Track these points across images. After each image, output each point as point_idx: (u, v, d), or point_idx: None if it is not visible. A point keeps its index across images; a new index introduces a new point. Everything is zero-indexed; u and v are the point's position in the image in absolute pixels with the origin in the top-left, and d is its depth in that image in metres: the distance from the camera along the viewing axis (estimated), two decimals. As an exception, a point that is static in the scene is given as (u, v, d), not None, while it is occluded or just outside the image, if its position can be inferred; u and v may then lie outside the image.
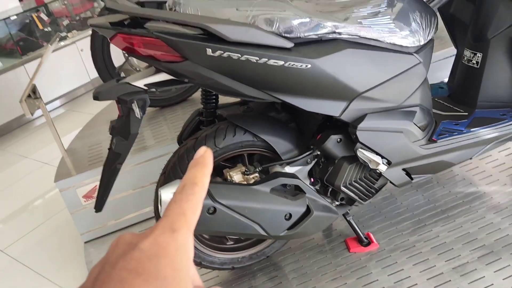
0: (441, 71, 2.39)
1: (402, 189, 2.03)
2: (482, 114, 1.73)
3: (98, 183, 2.04)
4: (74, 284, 2.06)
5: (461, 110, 1.78)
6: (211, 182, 1.37)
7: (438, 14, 2.61)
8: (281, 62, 1.24)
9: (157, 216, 1.54)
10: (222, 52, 1.20)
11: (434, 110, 1.78)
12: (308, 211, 1.45)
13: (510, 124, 1.66)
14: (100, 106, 2.97)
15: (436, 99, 1.88)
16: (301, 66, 1.26)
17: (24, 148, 3.65)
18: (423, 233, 1.77)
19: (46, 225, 2.56)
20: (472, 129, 1.64)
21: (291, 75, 1.27)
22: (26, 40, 4.03)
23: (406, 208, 1.92)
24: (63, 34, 4.14)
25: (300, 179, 1.46)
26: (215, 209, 1.31)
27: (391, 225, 1.85)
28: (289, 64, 1.25)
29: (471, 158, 1.67)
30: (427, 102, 1.58)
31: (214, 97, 1.59)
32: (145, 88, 1.31)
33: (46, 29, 4.25)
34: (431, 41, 1.54)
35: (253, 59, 1.22)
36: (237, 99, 1.67)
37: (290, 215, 1.41)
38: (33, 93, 2.07)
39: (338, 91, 1.35)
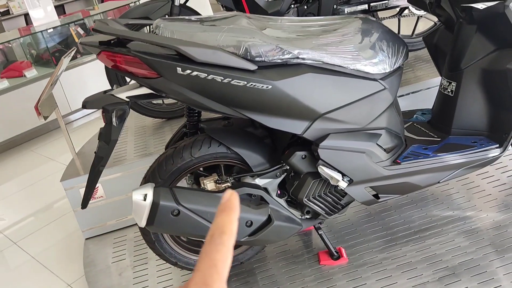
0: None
1: (381, 209, 2.10)
2: (454, 141, 1.80)
3: (99, 185, 2.23)
4: (73, 277, 2.25)
5: (435, 136, 1.85)
6: (177, 187, 1.52)
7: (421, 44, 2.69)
8: (244, 82, 1.38)
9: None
10: (191, 71, 1.36)
11: (409, 134, 1.87)
12: (269, 220, 1.57)
13: (478, 152, 1.72)
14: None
15: (415, 124, 1.96)
16: (262, 86, 1.39)
17: (51, 150, 3.92)
18: (392, 252, 1.85)
19: (57, 222, 2.77)
20: (439, 154, 1.71)
21: (253, 94, 1.40)
22: (62, 52, 4.35)
23: (381, 227, 1.99)
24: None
25: (263, 190, 1.58)
26: (179, 211, 1.45)
27: (364, 242, 1.93)
28: (251, 84, 1.39)
29: (439, 182, 1.74)
30: (394, 125, 1.67)
31: (196, 111, 1.74)
32: (127, 100, 1.48)
33: (74, 47, 4.56)
34: (398, 68, 1.64)
35: (218, 78, 1.37)
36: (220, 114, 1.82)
37: (251, 222, 1.53)
38: (49, 100, 2.29)
39: (300, 111, 1.47)
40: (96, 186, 2.31)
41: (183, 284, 0.36)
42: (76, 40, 4.54)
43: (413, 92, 2.52)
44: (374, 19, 1.68)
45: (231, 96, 1.41)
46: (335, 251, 1.87)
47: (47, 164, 3.71)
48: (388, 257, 1.82)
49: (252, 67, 1.39)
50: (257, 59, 1.40)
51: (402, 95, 2.50)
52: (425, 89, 2.51)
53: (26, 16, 5.88)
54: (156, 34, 1.45)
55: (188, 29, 1.44)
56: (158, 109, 2.63)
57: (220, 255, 0.36)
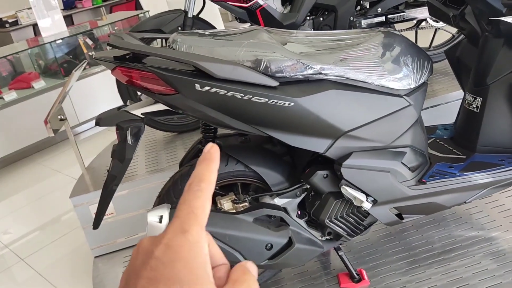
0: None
1: (402, 228, 2.03)
2: (480, 159, 1.73)
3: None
4: (81, 296, 2.18)
5: (460, 153, 1.78)
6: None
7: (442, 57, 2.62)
8: (265, 99, 1.32)
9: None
10: (210, 87, 1.30)
11: (432, 151, 1.79)
12: (290, 243, 1.49)
13: (506, 170, 1.65)
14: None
15: (437, 141, 1.89)
16: (284, 104, 1.33)
17: (58, 163, 3.87)
18: (416, 274, 1.77)
19: (65, 238, 2.71)
20: (465, 173, 1.64)
21: (275, 112, 1.34)
22: (70, 63, 4.31)
23: (403, 248, 1.92)
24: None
25: (284, 211, 1.51)
26: (196, 234, 1.38)
27: (386, 263, 1.86)
28: (272, 101, 1.32)
29: (465, 202, 1.67)
30: (419, 143, 1.60)
31: (212, 127, 1.68)
32: (142, 116, 1.42)
33: (90, 53, 4.53)
34: (423, 84, 1.57)
35: (238, 95, 1.31)
36: (237, 131, 1.75)
37: (271, 245, 1.46)
38: (59, 114, 2.24)
39: (322, 129, 1.40)
40: (107, 203, 2.25)
41: (163, 232, 0.35)
42: (85, 51, 4.50)
43: (432, 106, 2.45)
44: (397, 32, 1.62)
45: (252, 113, 1.34)
46: (356, 273, 1.79)
47: (55, 176, 3.65)
48: (411, 280, 1.75)
49: (274, 83, 1.33)
50: (278, 74, 1.34)
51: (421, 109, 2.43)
52: (445, 103, 2.44)
53: (35, 26, 5.87)
54: (173, 48, 1.39)
55: (206, 43, 1.39)
56: (169, 123, 2.57)
57: (198, 201, 0.36)
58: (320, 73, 1.38)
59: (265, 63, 1.34)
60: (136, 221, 2.28)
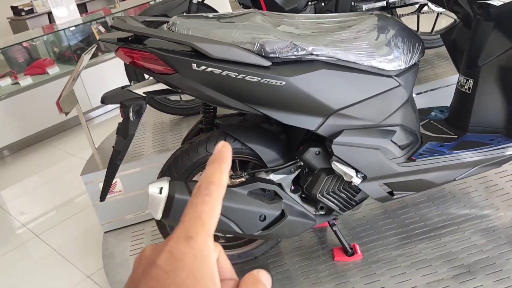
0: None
1: (397, 207, 2.10)
2: (470, 138, 1.78)
3: (118, 179, 2.28)
4: (92, 269, 2.30)
5: (452, 133, 1.84)
6: (192, 181, 1.54)
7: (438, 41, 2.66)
8: (258, 78, 1.40)
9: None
10: (206, 67, 1.38)
11: (425, 131, 1.86)
12: (282, 215, 1.58)
13: (494, 149, 1.70)
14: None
15: (431, 121, 1.95)
16: (276, 82, 1.41)
17: (72, 146, 4.00)
18: (407, 249, 1.84)
19: (77, 216, 2.84)
20: (455, 151, 1.70)
21: (267, 90, 1.42)
22: (83, 49, 4.43)
23: (396, 224, 1.99)
24: (116, 45, 4.51)
25: (277, 185, 1.60)
26: (193, 205, 1.47)
27: (379, 238, 1.93)
28: (265, 80, 1.40)
29: (455, 180, 1.73)
30: (409, 122, 1.67)
31: (212, 107, 1.77)
32: (144, 95, 1.51)
33: (94, 44, 4.65)
34: (414, 65, 1.63)
35: (233, 74, 1.39)
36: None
37: (265, 216, 1.55)
38: (70, 97, 2.35)
39: (314, 107, 1.48)
40: (115, 180, 2.37)
41: (166, 239, 0.33)
42: (97, 37, 4.61)
43: (431, 90, 2.50)
44: (390, 15, 1.67)
45: (246, 92, 1.42)
46: (350, 248, 1.88)
47: (69, 159, 3.78)
48: (402, 254, 1.82)
49: (266, 63, 1.41)
50: (271, 55, 1.42)
51: (421, 93, 2.48)
52: (444, 87, 2.49)
53: (50, 14, 6.00)
54: (173, 31, 1.47)
55: (204, 26, 1.47)
56: (176, 106, 2.67)
57: (206, 206, 0.34)
58: (312, 54, 1.46)
59: (258, 44, 1.41)
60: (143, 199, 2.38)
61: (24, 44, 4.38)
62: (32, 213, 3.06)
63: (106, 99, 1.53)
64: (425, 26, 2.85)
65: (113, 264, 2.18)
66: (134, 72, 2.50)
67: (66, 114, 2.25)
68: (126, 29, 1.41)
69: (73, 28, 4.37)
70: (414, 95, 2.53)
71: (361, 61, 1.51)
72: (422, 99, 2.47)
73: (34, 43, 4.51)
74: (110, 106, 4.55)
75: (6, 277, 2.42)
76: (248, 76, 1.39)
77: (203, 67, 1.38)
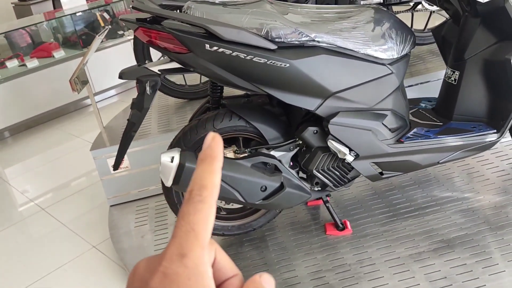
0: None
1: (385, 189, 2.26)
2: (454, 125, 1.95)
3: (125, 156, 2.42)
4: (98, 239, 2.44)
5: (438, 121, 2.00)
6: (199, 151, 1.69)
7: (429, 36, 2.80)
8: (264, 60, 1.55)
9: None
10: (217, 48, 1.53)
11: (414, 118, 2.02)
12: (281, 187, 1.73)
13: (476, 135, 1.87)
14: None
15: (420, 110, 2.11)
16: (280, 64, 1.56)
17: (76, 128, 4.13)
18: (393, 225, 2.01)
19: (84, 191, 2.98)
20: (439, 136, 1.86)
21: (272, 71, 1.57)
22: (88, 35, 4.55)
23: (384, 204, 2.15)
24: (120, 32, 4.64)
25: (277, 160, 1.75)
26: (201, 173, 1.62)
27: (368, 216, 2.09)
28: (271, 62, 1.55)
29: (438, 163, 1.89)
30: (399, 108, 1.82)
31: (219, 88, 1.91)
32: (159, 72, 1.66)
33: (107, 27, 4.77)
34: (406, 55, 1.79)
35: (242, 55, 1.54)
36: (242, 92, 1.99)
37: (265, 187, 1.70)
38: (82, 76, 2.48)
39: (313, 89, 1.63)
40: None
41: (160, 254, 0.32)
42: (102, 24, 4.74)
43: (422, 83, 2.66)
44: (384, 9, 1.83)
45: (253, 72, 1.57)
46: (341, 223, 2.03)
47: (72, 141, 3.91)
48: (388, 230, 1.98)
49: (273, 46, 1.56)
50: (277, 40, 1.57)
51: (412, 85, 2.64)
52: (434, 80, 2.65)
53: (54, 1, 6.09)
54: (187, 14, 1.62)
55: (216, 11, 1.61)
56: (181, 90, 2.81)
57: (199, 215, 0.32)
58: (314, 40, 1.61)
59: (266, 29, 1.56)
60: (148, 175, 2.53)
61: (31, 27, 4.49)
62: (38, 188, 3.19)
63: (124, 75, 1.67)
64: (419, 23, 3.01)
65: (118, 234, 2.32)
66: (142, 55, 2.63)
67: (78, 91, 2.39)
68: (146, 9, 1.56)
69: (80, 13, 4.49)
70: (406, 87, 2.70)
71: (358, 49, 1.66)
72: (414, 91, 2.63)
73: (40, 28, 4.63)
74: (110, 92, 4.68)
75: (13, 249, 2.56)
76: (256, 58, 1.54)
77: (215, 48, 1.53)
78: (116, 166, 1.84)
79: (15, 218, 2.85)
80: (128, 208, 2.54)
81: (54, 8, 6.23)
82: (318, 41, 1.62)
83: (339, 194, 2.28)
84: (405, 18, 2.94)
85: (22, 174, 3.56)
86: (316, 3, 2.58)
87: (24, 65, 4.09)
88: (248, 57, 1.54)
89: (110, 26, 2.85)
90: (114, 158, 2.48)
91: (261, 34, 1.56)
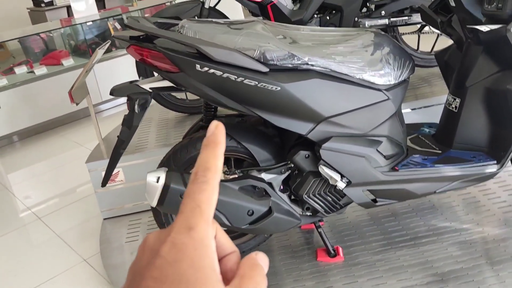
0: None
1: (382, 215, 2.20)
2: (454, 154, 1.89)
3: (120, 169, 2.40)
4: (89, 253, 2.42)
5: (437, 149, 1.94)
6: (187, 173, 1.66)
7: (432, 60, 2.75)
8: (255, 82, 1.52)
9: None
10: (208, 68, 1.50)
11: (412, 145, 1.96)
12: (269, 212, 1.69)
13: (475, 166, 1.81)
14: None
15: (419, 136, 2.06)
16: (271, 88, 1.53)
17: (80, 137, 4.14)
18: (387, 255, 1.95)
19: (80, 202, 2.96)
20: (437, 165, 1.80)
21: (263, 94, 1.54)
22: (98, 44, 4.58)
23: (379, 231, 2.09)
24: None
25: (267, 184, 1.71)
26: (187, 195, 1.59)
27: (361, 243, 2.04)
28: (262, 85, 1.52)
29: (435, 192, 1.83)
30: (396, 134, 1.77)
31: (213, 106, 1.89)
32: (150, 90, 1.64)
33: (108, 40, 4.80)
34: (404, 81, 1.74)
35: (232, 77, 1.51)
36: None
37: (253, 212, 1.66)
38: (82, 87, 2.48)
39: (305, 113, 1.59)
40: (117, 170, 2.49)
41: (169, 227, 0.35)
42: (113, 33, 4.77)
43: (425, 107, 2.61)
44: (385, 33, 1.79)
45: (243, 94, 1.54)
46: (333, 249, 1.98)
47: (76, 149, 3.92)
48: (382, 259, 1.92)
49: (264, 69, 1.52)
50: (270, 62, 1.54)
51: (415, 109, 2.59)
52: (439, 104, 2.58)
53: (68, 8, 6.16)
54: (181, 33, 1.60)
55: (210, 30, 1.59)
56: (181, 104, 2.79)
57: (204, 194, 0.35)
58: (307, 64, 1.57)
59: (259, 51, 1.53)
60: (143, 190, 2.49)
61: (42, 35, 4.54)
62: (37, 196, 3.19)
63: (114, 91, 1.65)
64: (427, 45, 2.96)
65: (109, 248, 2.29)
66: (144, 69, 2.62)
67: (77, 104, 2.38)
68: (138, 28, 1.54)
69: (90, 23, 4.53)
70: (409, 110, 2.65)
71: (353, 73, 1.62)
72: (418, 114, 2.58)
73: (51, 35, 4.67)
74: (119, 100, 4.69)
75: (6, 257, 2.54)
76: (247, 80, 1.51)
77: (206, 68, 1.50)
78: (104, 183, 1.82)
79: (11, 226, 2.85)
80: (122, 222, 2.51)
81: (69, 15, 6.31)
82: (312, 65, 1.58)
83: (334, 218, 2.22)
84: (412, 40, 2.90)
85: (24, 180, 3.57)
86: (319, 25, 2.55)
87: (32, 71, 4.12)
88: (238, 79, 1.51)
89: (110, 41, 2.84)
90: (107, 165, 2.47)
91: (254, 56, 1.53)
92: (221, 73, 1.51)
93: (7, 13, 6.83)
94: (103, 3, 6.81)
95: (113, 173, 2.46)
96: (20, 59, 4.44)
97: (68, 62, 4.30)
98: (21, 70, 4.19)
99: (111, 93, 1.65)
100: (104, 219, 2.56)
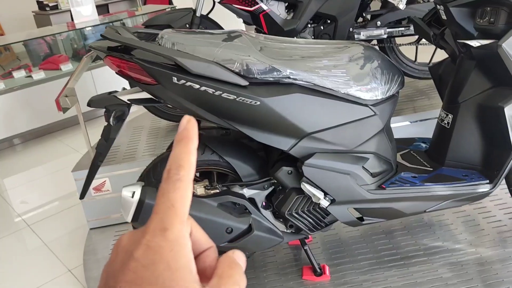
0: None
1: (372, 232, 2.13)
2: (445, 172, 1.82)
3: (107, 179, 2.35)
4: (74, 263, 2.37)
5: (428, 165, 1.87)
6: (164, 188, 1.60)
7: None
8: (234, 96, 1.46)
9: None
10: (185, 81, 1.45)
11: (402, 161, 1.89)
12: (249, 230, 1.63)
13: (467, 185, 1.73)
14: (137, 114, 3.32)
15: (411, 152, 1.98)
16: (250, 102, 1.47)
17: (77, 142, 4.11)
18: (374, 275, 1.87)
19: (69, 210, 2.92)
20: (426, 184, 1.73)
21: (242, 108, 1.48)
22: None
23: (369, 250, 2.02)
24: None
25: (247, 200, 1.65)
26: (163, 211, 1.53)
27: (349, 262, 1.97)
28: (240, 99, 1.47)
29: (425, 211, 1.76)
30: (384, 151, 1.71)
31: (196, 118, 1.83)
32: (128, 102, 1.59)
33: (92, 50, 4.77)
34: (392, 96, 1.68)
35: (210, 90, 1.46)
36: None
37: (232, 229, 1.60)
38: (70, 95, 2.44)
39: (287, 128, 1.53)
40: (104, 179, 2.45)
41: (143, 227, 0.34)
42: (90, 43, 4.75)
43: (423, 120, 2.54)
44: (373, 46, 1.73)
45: (222, 108, 1.49)
46: (319, 268, 1.91)
47: (72, 155, 3.88)
48: (369, 279, 1.85)
49: (243, 82, 1.47)
50: (249, 75, 1.48)
51: (412, 122, 2.52)
52: (435, 118, 2.51)
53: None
54: (159, 44, 1.55)
55: (189, 41, 1.54)
56: (173, 113, 2.74)
57: (178, 193, 0.34)
58: (289, 77, 1.52)
59: (239, 64, 1.48)
60: (130, 200, 2.45)
61: (42, 39, 4.53)
62: (29, 203, 3.15)
63: (92, 103, 1.61)
64: (425, 56, 2.88)
65: (93, 260, 2.25)
66: (134, 77, 2.58)
67: (64, 111, 2.34)
68: (114, 39, 1.49)
69: (90, 28, 4.51)
70: (408, 123, 2.58)
71: (338, 88, 1.56)
72: (415, 127, 2.51)
73: (51, 39, 4.66)
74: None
75: (-8, 263, 2.51)
76: (225, 94, 1.46)
77: (183, 81, 1.45)
78: (82, 195, 1.77)
79: (0, 234, 2.81)
80: (108, 232, 2.46)
81: (72, 20, 6.32)
82: (294, 79, 1.52)
83: (323, 234, 2.16)
84: (410, 51, 2.83)
85: (19, 185, 3.54)
86: (313, 34, 2.49)
87: (30, 76, 4.11)
88: (216, 93, 1.46)
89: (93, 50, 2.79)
90: (95, 180, 2.43)
91: (234, 68, 1.48)
92: (199, 86, 1.45)
93: (13, 16, 6.88)
94: (106, 8, 6.81)
95: (101, 183, 2.43)
96: (20, 63, 4.43)
97: (67, 67, 4.28)
98: (19, 74, 4.17)
99: (88, 104, 1.61)
100: (91, 228, 2.51)
